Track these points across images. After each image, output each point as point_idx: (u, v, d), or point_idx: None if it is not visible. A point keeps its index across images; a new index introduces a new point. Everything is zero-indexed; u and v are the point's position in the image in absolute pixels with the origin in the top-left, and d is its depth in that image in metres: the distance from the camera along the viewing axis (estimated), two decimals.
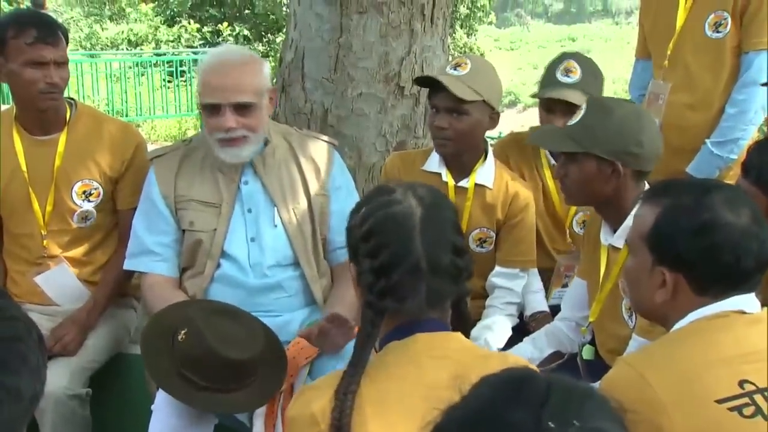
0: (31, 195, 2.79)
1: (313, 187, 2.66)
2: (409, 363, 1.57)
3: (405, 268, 1.57)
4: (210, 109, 2.51)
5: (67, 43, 2.75)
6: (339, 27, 3.53)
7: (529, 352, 2.62)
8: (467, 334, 1.70)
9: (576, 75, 2.96)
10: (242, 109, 2.49)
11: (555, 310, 2.86)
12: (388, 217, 1.61)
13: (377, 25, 3.53)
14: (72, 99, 2.93)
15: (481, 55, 18.75)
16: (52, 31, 2.69)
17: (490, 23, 22.76)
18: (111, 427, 2.89)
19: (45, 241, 2.83)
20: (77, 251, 2.89)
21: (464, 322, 1.74)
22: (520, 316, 2.93)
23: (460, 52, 17.49)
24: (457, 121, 2.71)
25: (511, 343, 2.75)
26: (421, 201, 1.62)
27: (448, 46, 3.96)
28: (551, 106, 2.98)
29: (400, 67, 3.58)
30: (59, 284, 2.86)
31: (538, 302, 2.93)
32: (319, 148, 2.75)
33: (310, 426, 1.53)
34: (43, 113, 2.77)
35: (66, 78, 2.75)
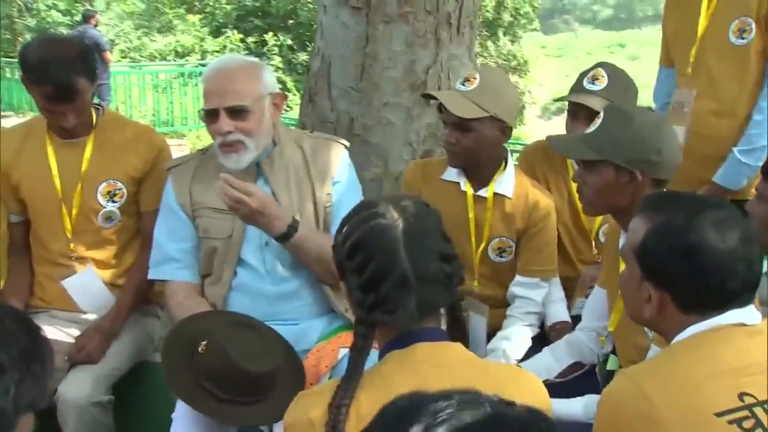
0: (59, 196, 2.85)
1: (320, 189, 2.66)
2: (409, 373, 1.56)
3: (392, 281, 1.58)
4: (209, 116, 2.54)
5: (102, 58, 2.79)
6: (365, 36, 3.54)
7: (548, 362, 2.59)
8: (464, 340, 1.69)
9: (602, 83, 2.93)
10: (237, 113, 2.51)
11: (577, 320, 2.83)
12: (370, 232, 1.62)
13: (403, 34, 3.53)
14: (99, 105, 2.98)
15: (525, 62, 18.68)
16: (68, 91, 2.68)
17: (534, 30, 22.62)
18: None
19: (71, 244, 2.88)
20: (103, 253, 2.93)
21: (460, 328, 1.74)
22: (542, 325, 2.90)
23: (504, 60, 17.45)
24: (464, 136, 2.70)
25: (531, 353, 2.72)
26: (403, 213, 1.62)
27: (475, 55, 3.94)
28: (576, 112, 2.97)
29: (426, 75, 3.58)
30: (85, 289, 2.89)
31: (559, 312, 2.90)
32: (329, 150, 2.74)
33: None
34: None
35: (85, 112, 2.81)
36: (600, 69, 2.98)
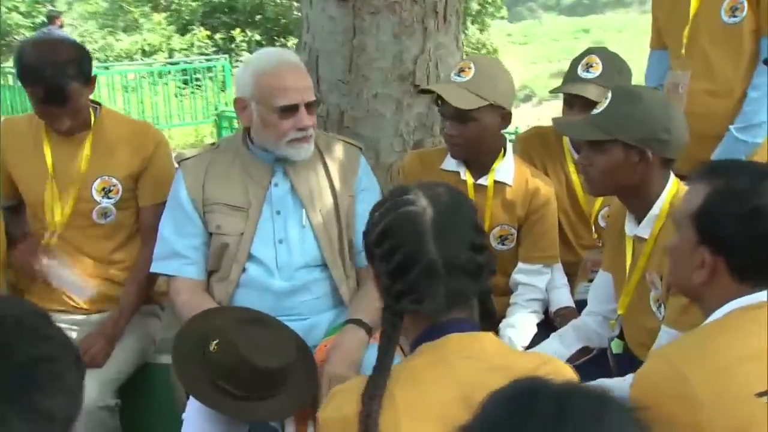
0: (53, 193, 2.82)
1: (340, 188, 2.66)
2: (441, 365, 1.55)
3: (419, 269, 1.56)
4: (286, 111, 2.51)
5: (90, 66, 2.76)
6: (352, 28, 3.51)
7: (557, 348, 2.59)
8: (495, 330, 1.68)
9: (597, 70, 2.88)
10: (310, 107, 2.56)
11: (581, 305, 2.83)
12: (398, 220, 1.60)
13: (390, 24, 3.51)
14: (97, 103, 2.96)
15: (494, 51, 18.71)
16: (60, 94, 2.67)
17: (502, 18, 22.65)
18: None
19: (66, 239, 2.87)
20: (99, 250, 2.91)
21: (490, 318, 1.72)
22: (546, 312, 2.91)
23: (473, 49, 17.47)
24: (466, 128, 2.69)
25: (536, 339, 2.72)
26: (435, 200, 1.61)
27: (462, 43, 3.93)
28: (571, 101, 2.93)
29: (415, 65, 3.56)
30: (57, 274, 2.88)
31: (562, 297, 2.90)
32: (345, 151, 2.75)
33: (342, 429, 1.53)
34: None
35: (80, 115, 2.79)
36: (593, 56, 2.92)
